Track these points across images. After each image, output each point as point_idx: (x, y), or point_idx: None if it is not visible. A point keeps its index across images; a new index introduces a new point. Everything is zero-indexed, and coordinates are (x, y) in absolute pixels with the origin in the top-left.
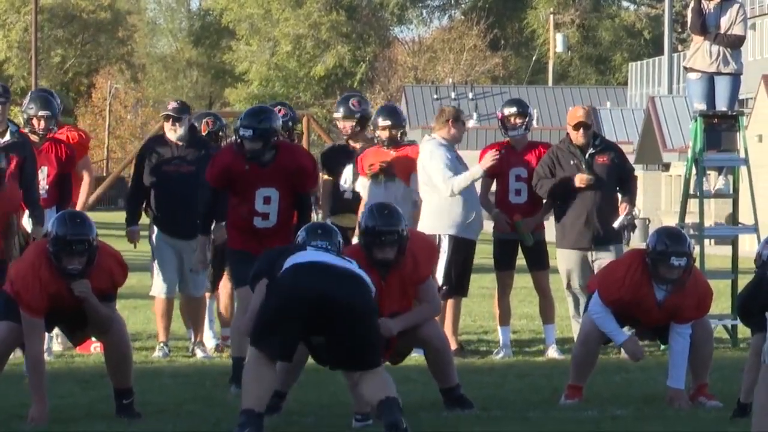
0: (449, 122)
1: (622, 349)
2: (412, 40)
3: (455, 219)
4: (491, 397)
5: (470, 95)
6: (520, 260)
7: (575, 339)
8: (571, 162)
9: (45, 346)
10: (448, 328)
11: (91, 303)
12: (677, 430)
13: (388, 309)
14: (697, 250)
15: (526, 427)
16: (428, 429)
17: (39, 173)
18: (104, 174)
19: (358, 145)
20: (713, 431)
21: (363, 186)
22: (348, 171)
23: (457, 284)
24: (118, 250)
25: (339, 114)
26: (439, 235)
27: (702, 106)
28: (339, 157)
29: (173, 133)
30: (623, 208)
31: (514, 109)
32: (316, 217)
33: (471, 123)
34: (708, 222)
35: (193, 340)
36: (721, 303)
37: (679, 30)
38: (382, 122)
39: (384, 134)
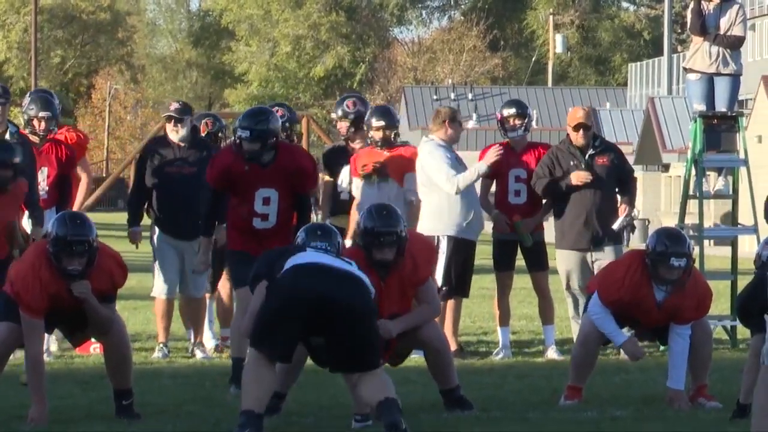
0: (446, 123)
1: (621, 350)
2: (411, 40)
3: (455, 219)
4: (491, 398)
5: (470, 96)
6: (520, 261)
7: (575, 340)
8: (571, 163)
9: (44, 347)
10: (448, 329)
11: (90, 304)
12: (677, 430)
13: (387, 310)
14: (696, 250)
15: (526, 428)
16: (428, 430)
17: (39, 174)
18: (104, 175)
19: (357, 146)
20: None
21: (356, 186)
22: (345, 172)
23: (458, 285)
24: (119, 250)
25: (335, 115)
26: (439, 236)
27: (701, 107)
28: (339, 157)
29: (175, 134)
30: (623, 209)
31: (513, 110)
32: (316, 218)
33: (471, 124)
34: (707, 223)
35: (192, 340)
36: (720, 304)
37: (679, 31)
38: (376, 123)
39: (377, 135)
